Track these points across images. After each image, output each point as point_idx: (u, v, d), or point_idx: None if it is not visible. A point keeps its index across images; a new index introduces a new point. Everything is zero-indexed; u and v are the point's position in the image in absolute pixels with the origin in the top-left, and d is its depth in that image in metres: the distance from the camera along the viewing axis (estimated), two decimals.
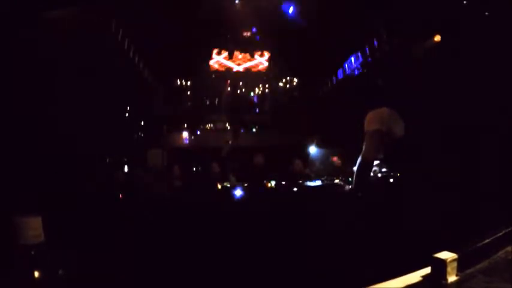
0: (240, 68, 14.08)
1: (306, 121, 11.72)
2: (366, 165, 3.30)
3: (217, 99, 14.70)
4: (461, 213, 2.93)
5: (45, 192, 4.39)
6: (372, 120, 3.39)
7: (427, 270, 1.52)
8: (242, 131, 13.06)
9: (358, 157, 3.38)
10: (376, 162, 4.81)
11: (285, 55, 12.50)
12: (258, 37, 12.12)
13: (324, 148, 9.88)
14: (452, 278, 1.43)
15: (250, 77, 14.64)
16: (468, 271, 1.49)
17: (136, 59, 10.41)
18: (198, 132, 13.21)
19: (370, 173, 3.64)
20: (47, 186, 4.79)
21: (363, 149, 3.31)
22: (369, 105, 3.56)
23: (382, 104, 3.55)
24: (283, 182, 7.88)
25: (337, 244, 3.15)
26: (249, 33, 12.05)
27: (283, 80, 15.02)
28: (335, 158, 8.41)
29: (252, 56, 13.66)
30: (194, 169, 9.85)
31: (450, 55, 6.54)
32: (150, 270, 3.07)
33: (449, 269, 1.42)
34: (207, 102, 14.70)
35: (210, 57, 13.64)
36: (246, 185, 7.40)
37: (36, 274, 2.13)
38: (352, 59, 10.52)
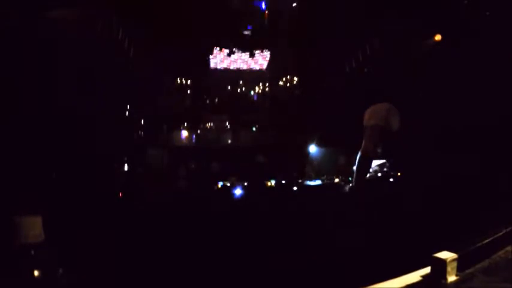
0: (240, 66, 14.06)
1: (306, 120, 11.71)
2: (365, 161, 3.29)
3: (217, 99, 14.69)
4: (461, 213, 2.93)
5: (45, 192, 4.39)
6: (370, 116, 3.39)
7: (427, 270, 1.52)
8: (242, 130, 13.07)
9: (357, 155, 3.38)
10: (378, 162, 4.82)
11: (285, 53, 12.50)
12: (258, 36, 12.11)
13: (324, 147, 9.89)
14: (452, 278, 1.43)
15: (250, 75, 14.62)
16: (468, 271, 1.49)
17: (137, 59, 10.40)
18: (198, 132, 13.21)
19: (369, 169, 3.64)
20: (47, 186, 4.79)
21: (362, 145, 3.30)
22: (368, 103, 3.55)
23: (381, 100, 3.55)
24: (283, 181, 7.88)
25: (337, 244, 3.15)
26: (249, 32, 12.03)
27: (283, 79, 14.99)
28: (339, 159, 8.39)
29: (252, 54, 13.63)
30: (194, 168, 9.86)
31: (450, 55, 6.53)
32: (150, 269, 3.07)
33: (449, 268, 1.42)
34: (207, 102, 14.69)
35: (211, 56, 13.63)
36: (246, 184, 7.40)
37: (36, 274, 2.12)
38: None
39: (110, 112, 8.86)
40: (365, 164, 3.34)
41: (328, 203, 5.30)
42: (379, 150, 3.59)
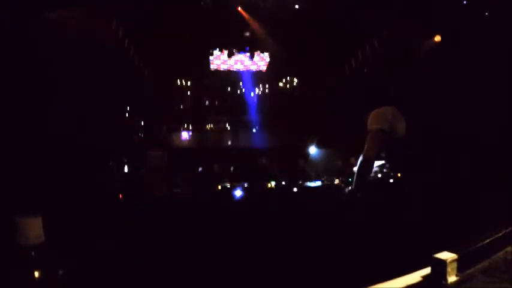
0: (240, 68, 14.05)
1: (306, 121, 11.72)
2: (367, 164, 3.27)
3: (217, 100, 14.69)
4: (461, 213, 2.93)
5: (45, 192, 4.39)
6: (374, 119, 3.35)
7: (427, 270, 1.52)
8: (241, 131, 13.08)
9: (358, 157, 3.37)
10: (379, 163, 4.79)
11: (285, 55, 12.50)
12: (258, 37, 12.11)
13: (324, 148, 9.89)
14: (452, 279, 1.43)
15: (250, 76, 14.62)
16: (468, 271, 1.49)
17: (137, 58, 10.42)
18: (198, 133, 13.22)
19: (370, 173, 3.63)
20: (47, 186, 4.79)
21: (365, 148, 3.29)
22: (370, 105, 3.54)
23: (384, 103, 3.53)
24: (283, 183, 7.88)
25: (337, 244, 3.15)
26: (248, 33, 12.04)
27: (283, 80, 15.00)
28: (339, 160, 8.38)
29: (252, 55, 13.63)
30: (194, 170, 9.85)
31: (450, 55, 6.54)
32: (150, 270, 3.07)
33: (449, 269, 1.41)
34: (207, 102, 14.70)
35: (210, 57, 13.62)
36: (246, 185, 7.40)
37: (37, 275, 2.12)
38: None
39: (110, 112, 8.87)
40: (366, 167, 3.32)
41: (328, 203, 5.30)
42: (382, 155, 3.57)
